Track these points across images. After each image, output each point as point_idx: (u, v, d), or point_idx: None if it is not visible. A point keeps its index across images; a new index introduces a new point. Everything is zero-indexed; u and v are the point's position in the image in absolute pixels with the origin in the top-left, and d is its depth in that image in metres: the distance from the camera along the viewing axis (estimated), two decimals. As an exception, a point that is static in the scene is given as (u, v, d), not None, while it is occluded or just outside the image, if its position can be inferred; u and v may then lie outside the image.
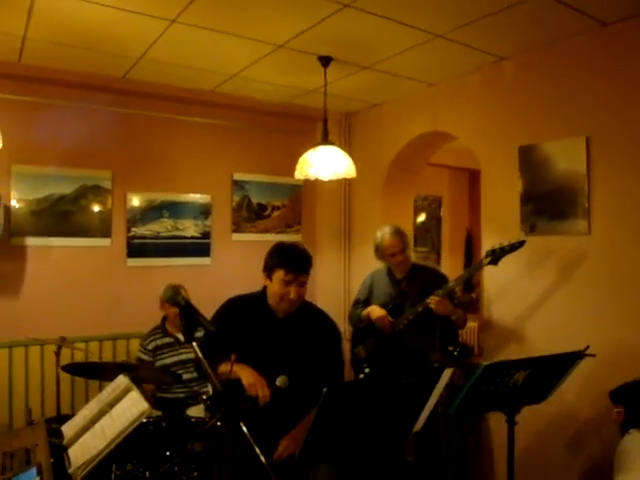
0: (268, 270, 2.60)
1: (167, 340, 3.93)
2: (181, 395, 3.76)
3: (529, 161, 3.57)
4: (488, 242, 3.78)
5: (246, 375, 2.38)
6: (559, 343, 2.88)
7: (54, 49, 3.57)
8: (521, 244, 3.22)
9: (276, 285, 2.57)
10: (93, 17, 3.11)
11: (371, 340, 3.66)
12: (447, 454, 3.83)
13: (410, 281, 3.63)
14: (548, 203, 3.47)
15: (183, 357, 3.86)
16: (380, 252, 3.65)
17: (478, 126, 3.97)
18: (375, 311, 3.59)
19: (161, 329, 3.97)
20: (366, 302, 3.77)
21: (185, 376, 3.76)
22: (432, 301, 3.32)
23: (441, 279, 3.57)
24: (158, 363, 3.89)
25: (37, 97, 3.99)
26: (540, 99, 3.53)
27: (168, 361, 3.89)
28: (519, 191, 3.62)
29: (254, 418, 2.13)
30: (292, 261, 2.57)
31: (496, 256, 3.25)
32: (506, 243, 3.24)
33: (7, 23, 3.18)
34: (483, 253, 3.44)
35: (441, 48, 3.51)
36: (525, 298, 3.63)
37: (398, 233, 3.61)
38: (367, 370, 3.65)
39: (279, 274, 2.55)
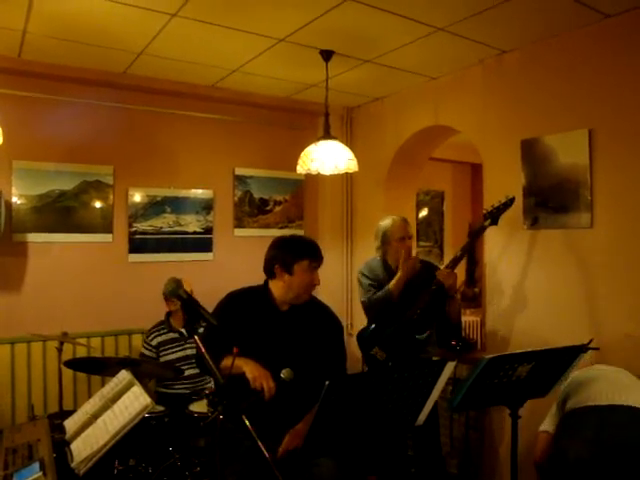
0: (286, 265, 2.58)
1: (172, 335, 3.93)
2: (185, 391, 3.77)
3: (531, 154, 3.55)
4: (490, 236, 3.78)
5: (250, 369, 2.38)
6: (563, 337, 2.87)
7: (54, 44, 3.56)
8: (512, 201, 3.30)
9: (301, 276, 2.58)
10: (93, 11, 3.09)
11: (385, 338, 3.49)
12: (450, 448, 3.83)
13: None
14: (551, 196, 3.45)
15: (188, 352, 3.85)
16: (388, 237, 3.57)
17: (480, 120, 3.95)
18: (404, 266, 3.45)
19: (165, 324, 3.96)
20: (380, 285, 3.55)
21: (190, 372, 3.75)
22: (441, 273, 3.33)
23: (434, 269, 3.53)
24: (162, 359, 3.88)
25: (38, 92, 3.98)
26: (542, 92, 3.51)
27: (172, 357, 3.89)
28: (521, 184, 3.60)
29: (258, 412, 2.12)
30: (312, 249, 2.65)
31: (494, 215, 3.31)
32: (497, 203, 3.31)
33: (7, 17, 3.17)
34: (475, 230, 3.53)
35: (443, 41, 3.49)
36: (528, 292, 3.62)
37: (406, 220, 3.65)
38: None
39: (303, 265, 2.58)
